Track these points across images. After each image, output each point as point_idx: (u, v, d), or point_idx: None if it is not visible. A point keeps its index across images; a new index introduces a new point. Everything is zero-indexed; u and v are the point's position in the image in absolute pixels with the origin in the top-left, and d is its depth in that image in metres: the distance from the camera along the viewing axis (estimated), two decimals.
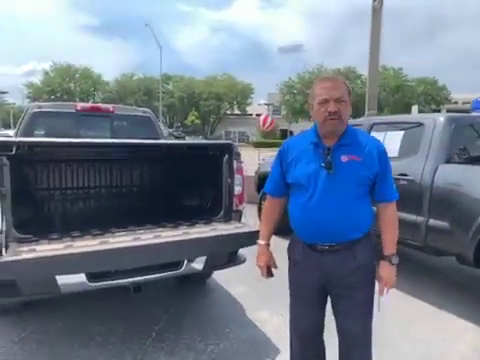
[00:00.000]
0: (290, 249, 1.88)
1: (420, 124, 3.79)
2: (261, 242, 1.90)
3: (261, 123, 16.90)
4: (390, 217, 1.76)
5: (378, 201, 1.76)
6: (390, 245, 1.76)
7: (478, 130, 3.64)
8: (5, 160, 2.21)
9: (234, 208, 2.93)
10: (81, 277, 2.24)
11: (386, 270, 1.75)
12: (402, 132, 3.93)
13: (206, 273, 3.34)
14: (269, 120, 16.82)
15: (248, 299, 3.40)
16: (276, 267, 1.90)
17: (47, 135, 4.19)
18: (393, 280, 1.76)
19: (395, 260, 1.74)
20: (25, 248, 2.11)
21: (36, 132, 4.24)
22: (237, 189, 2.93)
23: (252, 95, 52.15)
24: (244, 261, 2.94)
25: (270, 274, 1.89)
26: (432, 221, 3.38)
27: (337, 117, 1.63)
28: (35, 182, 3.21)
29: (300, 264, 1.80)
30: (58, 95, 47.12)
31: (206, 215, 2.98)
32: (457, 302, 3.38)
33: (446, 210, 3.27)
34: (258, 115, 18.46)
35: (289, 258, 1.88)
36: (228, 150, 2.89)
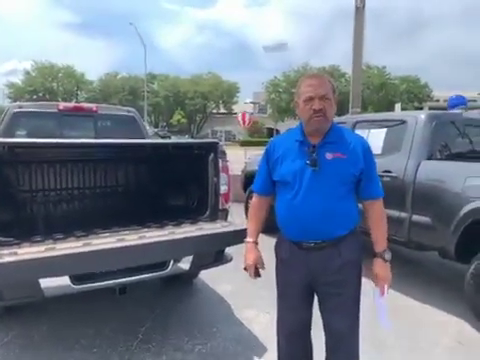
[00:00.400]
0: (277, 247, 1.88)
1: (403, 122, 3.85)
2: (249, 240, 1.88)
3: (241, 121, 16.86)
4: (378, 214, 1.77)
5: (364, 198, 1.77)
6: (381, 242, 1.77)
7: (459, 127, 3.71)
8: None
9: (220, 207, 2.92)
10: (65, 280, 2.20)
11: (381, 267, 1.75)
12: (385, 130, 3.99)
13: (193, 273, 3.33)
14: (247, 117, 16.78)
15: (235, 298, 3.40)
16: (263, 267, 1.86)
17: (29, 136, 4.11)
18: (389, 277, 1.76)
19: (388, 256, 1.75)
20: (6, 251, 2.06)
21: (17, 132, 4.16)
22: (223, 188, 2.92)
23: (238, 94, 52.21)
24: (231, 260, 2.94)
25: (257, 274, 1.86)
26: (415, 217, 3.44)
27: (322, 115, 1.65)
28: (17, 184, 3.14)
29: (287, 262, 1.80)
30: (40, 95, 46.24)
31: (192, 214, 2.97)
32: (440, 296, 3.46)
33: (428, 206, 3.33)
34: (237, 114, 18.31)
35: (276, 256, 1.88)
36: (213, 149, 2.88)
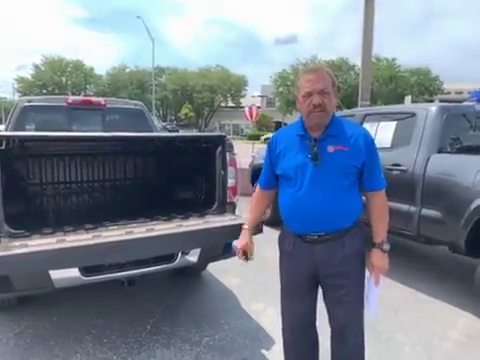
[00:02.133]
0: (281, 240, 1.89)
1: (413, 114, 3.80)
2: (245, 226, 1.99)
3: (248, 115, 16.53)
4: (379, 205, 1.76)
5: (366, 190, 1.76)
6: (380, 232, 1.77)
7: (470, 120, 3.65)
8: None
9: (228, 200, 2.93)
10: (74, 272, 2.23)
11: (378, 257, 1.76)
12: (395, 122, 3.94)
13: (201, 265, 3.35)
14: (254, 110, 16.45)
15: (243, 291, 3.42)
16: (252, 256, 1.96)
17: (38, 129, 4.15)
18: (385, 267, 1.77)
19: (386, 247, 1.75)
20: (17, 243, 2.09)
21: (27, 126, 4.20)
22: (231, 181, 2.93)
23: (246, 87, 51.97)
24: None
25: (246, 258, 1.96)
26: (425, 211, 3.40)
27: (321, 109, 1.64)
28: (27, 177, 3.18)
29: (290, 255, 1.81)
30: (49, 89, 46.58)
31: (200, 207, 2.98)
32: (449, 290, 3.43)
33: (438, 199, 3.29)
34: (244, 107, 17.85)
35: (280, 249, 1.90)
36: (221, 142, 2.88)
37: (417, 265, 4.09)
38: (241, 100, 51.24)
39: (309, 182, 1.67)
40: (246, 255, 1.95)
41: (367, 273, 1.80)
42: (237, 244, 1.98)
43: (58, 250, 2.01)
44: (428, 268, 4.06)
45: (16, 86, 47.27)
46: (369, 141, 1.72)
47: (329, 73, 1.71)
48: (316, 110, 1.64)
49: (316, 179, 1.66)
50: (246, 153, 9.05)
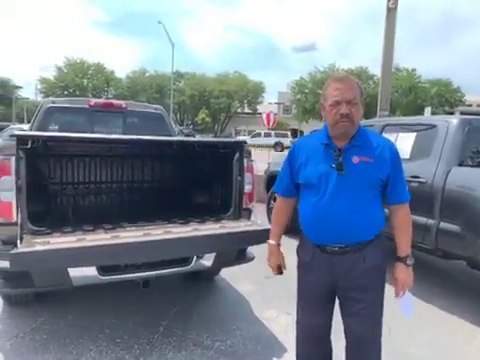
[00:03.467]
0: (299, 250, 1.87)
1: (433, 126, 3.75)
2: (271, 242, 1.91)
3: (265, 122, 16.44)
4: (403, 218, 1.74)
5: (391, 203, 1.74)
6: (405, 246, 1.74)
7: None
8: (21, 153, 2.25)
9: (244, 206, 2.94)
10: (92, 270, 2.28)
11: (402, 272, 1.73)
12: (414, 134, 3.90)
13: (214, 270, 3.36)
14: (272, 117, 16.35)
15: (256, 297, 3.41)
16: (285, 268, 1.93)
17: (61, 130, 4.25)
18: (410, 282, 1.74)
19: (410, 261, 1.73)
20: (39, 240, 2.15)
21: (50, 127, 4.30)
22: (247, 187, 2.94)
23: (263, 94, 52.06)
24: (253, 259, 2.95)
25: (280, 272, 1.93)
26: (443, 224, 3.34)
27: (348, 119, 1.62)
28: (49, 176, 3.27)
29: (309, 265, 1.79)
30: (71, 91, 47.60)
31: (216, 212, 3.00)
32: (466, 306, 3.35)
33: (458, 213, 3.23)
34: (262, 114, 17.75)
35: (298, 259, 1.88)
36: (239, 148, 2.90)
37: (433, 279, 4.01)
38: (258, 107, 51.34)
39: (332, 192, 1.65)
40: (280, 270, 1.92)
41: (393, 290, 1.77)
42: (269, 264, 1.93)
43: (78, 248, 2.06)
44: (444, 282, 3.98)
45: (39, 87, 48.52)
46: (394, 153, 1.70)
47: (358, 83, 1.70)
48: (343, 120, 1.62)
49: (339, 189, 1.64)
50: (262, 159, 9.05)
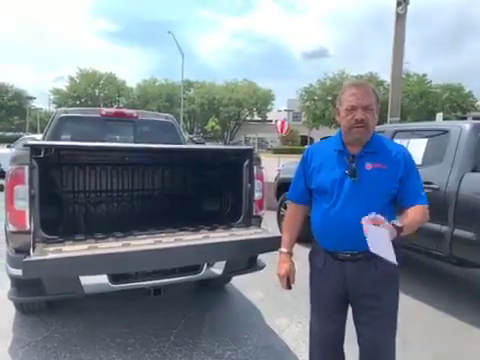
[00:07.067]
0: (311, 256, 1.86)
1: (445, 131, 3.70)
2: (283, 250, 1.87)
3: (279, 129, 16.60)
4: (418, 213, 1.63)
5: (404, 206, 1.67)
6: (405, 220, 1.56)
7: None
8: (34, 163, 2.29)
9: (254, 213, 2.93)
10: (104, 278, 2.28)
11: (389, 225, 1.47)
12: (426, 139, 3.86)
13: (225, 278, 3.35)
14: (286, 125, 16.55)
15: (267, 305, 3.38)
16: (293, 282, 1.83)
17: (73, 139, 4.31)
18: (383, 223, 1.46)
19: (399, 224, 1.49)
20: (51, 248, 2.17)
21: (63, 136, 4.37)
22: (257, 195, 2.93)
23: (272, 101, 52.22)
24: (263, 267, 2.93)
25: (289, 286, 1.83)
26: (457, 231, 3.28)
27: (363, 125, 1.61)
28: (61, 185, 3.31)
29: (321, 272, 1.77)
30: (83, 100, 48.44)
31: (226, 220, 2.99)
32: None
33: (472, 220, 3.17)
34: (277, 121, 18.01)
35: (310, 265, 1.86)
36: (249, 156, 2.90)
37: (451, 287, 3.92)
38: (267, 114, 51.48)
39: (344, 198, 1.63)
40: (289, 282, 1.82)
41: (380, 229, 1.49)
42: (278, 272, 1.82)
43: (90, 256, 2.07)
44: (460, 291, 3.89)
45: (52, 97, 49.51)
46: (408, 158, 1.68)
47: (374, 90, 1.68)
48: (358, 125, 1.61)
49: (352, 196, 1.62)
50: (272, 167, 9.04)
